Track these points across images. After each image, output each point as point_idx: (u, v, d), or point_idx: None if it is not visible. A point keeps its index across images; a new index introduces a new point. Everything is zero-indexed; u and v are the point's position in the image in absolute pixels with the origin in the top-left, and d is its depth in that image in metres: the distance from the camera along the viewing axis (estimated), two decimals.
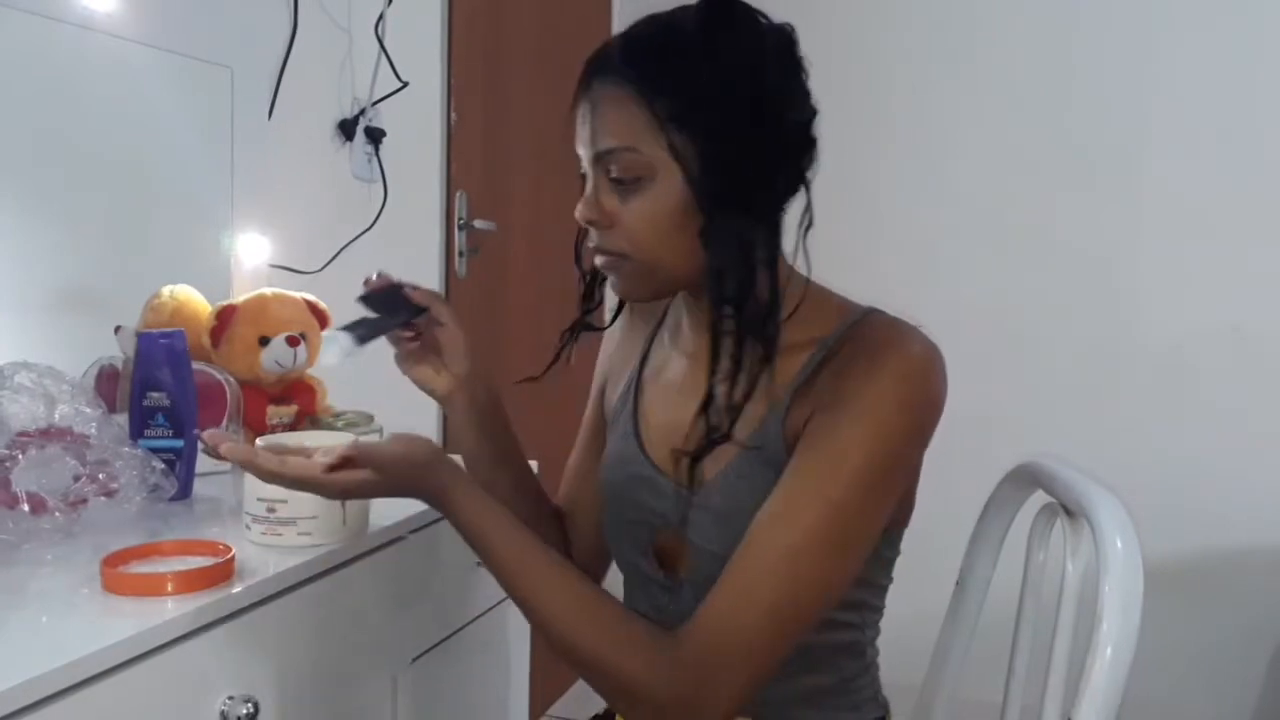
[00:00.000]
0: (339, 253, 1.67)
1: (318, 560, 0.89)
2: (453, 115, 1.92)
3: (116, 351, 1.19)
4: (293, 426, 1.28)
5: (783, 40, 0.81)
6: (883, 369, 0.77)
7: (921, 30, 2.31)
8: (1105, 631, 0.77)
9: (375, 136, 1.75)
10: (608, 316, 1.05)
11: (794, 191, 0.83)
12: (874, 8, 2.39)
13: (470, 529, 0.80)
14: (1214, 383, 2.23)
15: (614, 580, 1.00)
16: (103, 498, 0.92)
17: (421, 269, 1.92)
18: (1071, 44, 2.29)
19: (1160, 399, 2.26)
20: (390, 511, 1.02)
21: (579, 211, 0.83)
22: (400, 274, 1.59)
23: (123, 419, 1.06)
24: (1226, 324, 2.22)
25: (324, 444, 0.92)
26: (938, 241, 2.31)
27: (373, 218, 1.74)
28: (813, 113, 0.83)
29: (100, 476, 0.92)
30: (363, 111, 1.73)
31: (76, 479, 0.92)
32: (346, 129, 1.71)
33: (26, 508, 0.87)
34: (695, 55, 0.78)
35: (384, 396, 1.45)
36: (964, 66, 2.30)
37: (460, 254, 1.97)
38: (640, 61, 0.79)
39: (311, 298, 1.31)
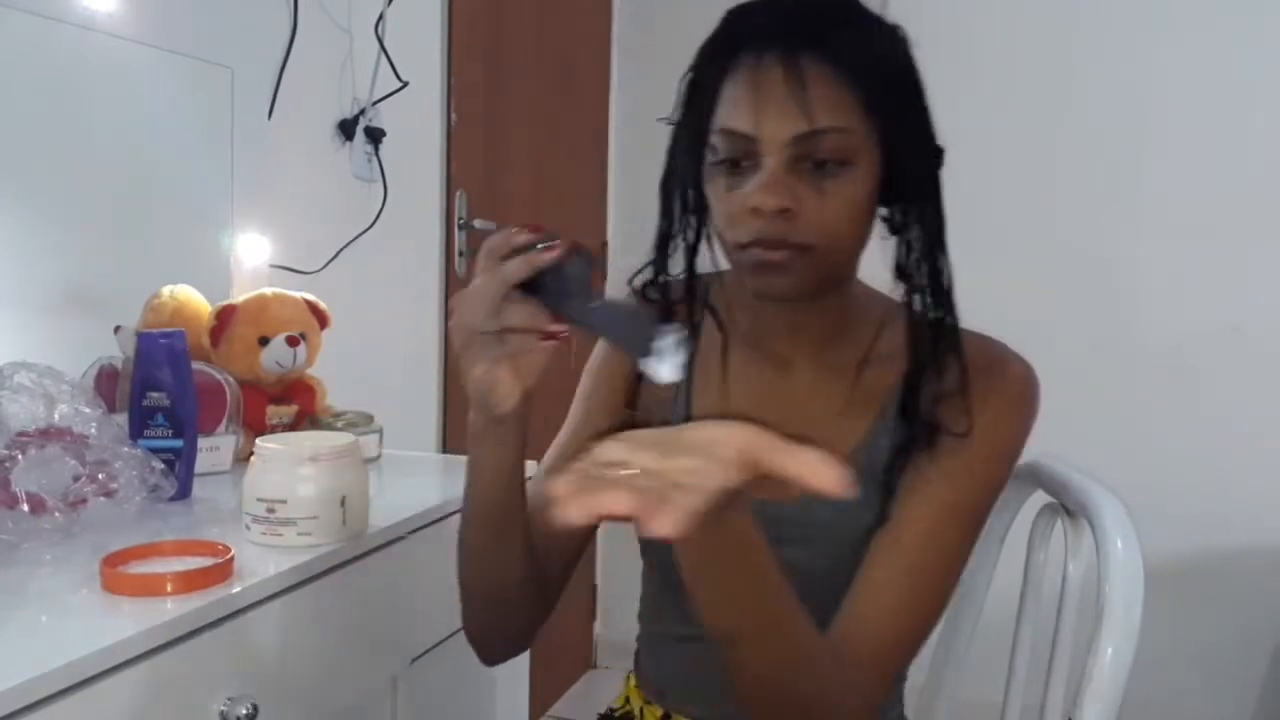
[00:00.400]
0: (339, 253, 1.67)
1: (317, 560, 0.89)
2: (452, 115, 1.92)
3: (116, 351, 1.19)
4: (292, 427, 1.28)
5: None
6: (1004, 386, 0.79)
7: (921, 30, 2.30)
8: (1106, 631, 0.77)
9: (375, 136, 1.75)
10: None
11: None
12: (876, 6, 2.39)
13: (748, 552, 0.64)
14: (1214, 383, 2.23)
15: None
16: (102, 498, 0.92)
17: (421, 269, 1.92)
18: (1071, 43, 2.29)
19: (1160, 399, 2.26)
20: (390, 512, 1.02)
21: (762, 199, 0.72)
22: (400, 274, 1.57)
23: (122, 419, 1.06)
24: (1226, 324, 2.21)
25: (326, 444, 0.92)
26: None
27: (373, 218, 1.74)
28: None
29: (100, 476, 0.92)
30: (363, 111, 1.73)
31: (76, 479, 0.92)
32: (346, 129, 1.71)
33: (26, 508, 0.87)
34: (883, 35, 0.76)
35: (384, 396, 1.46)
36: (963, 66, 2.30)
37: (460, 254, 1.97)
38: (849, 39, 0.74)
39: (311, 298, 1.31)
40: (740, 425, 0.54)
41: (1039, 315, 2.26)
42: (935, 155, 0.79)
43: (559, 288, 0.65)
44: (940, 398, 0.79)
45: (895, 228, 0.79)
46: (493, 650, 0.87)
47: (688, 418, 0.87)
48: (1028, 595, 0.99)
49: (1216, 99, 2.19)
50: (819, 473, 0.51)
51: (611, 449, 0.53)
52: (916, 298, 0.79)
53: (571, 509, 0.49)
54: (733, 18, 0.77)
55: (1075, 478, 0.91)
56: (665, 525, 0.48)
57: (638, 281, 0.88)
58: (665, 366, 0.62)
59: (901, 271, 0.80)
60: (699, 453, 0.52)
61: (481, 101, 2.03)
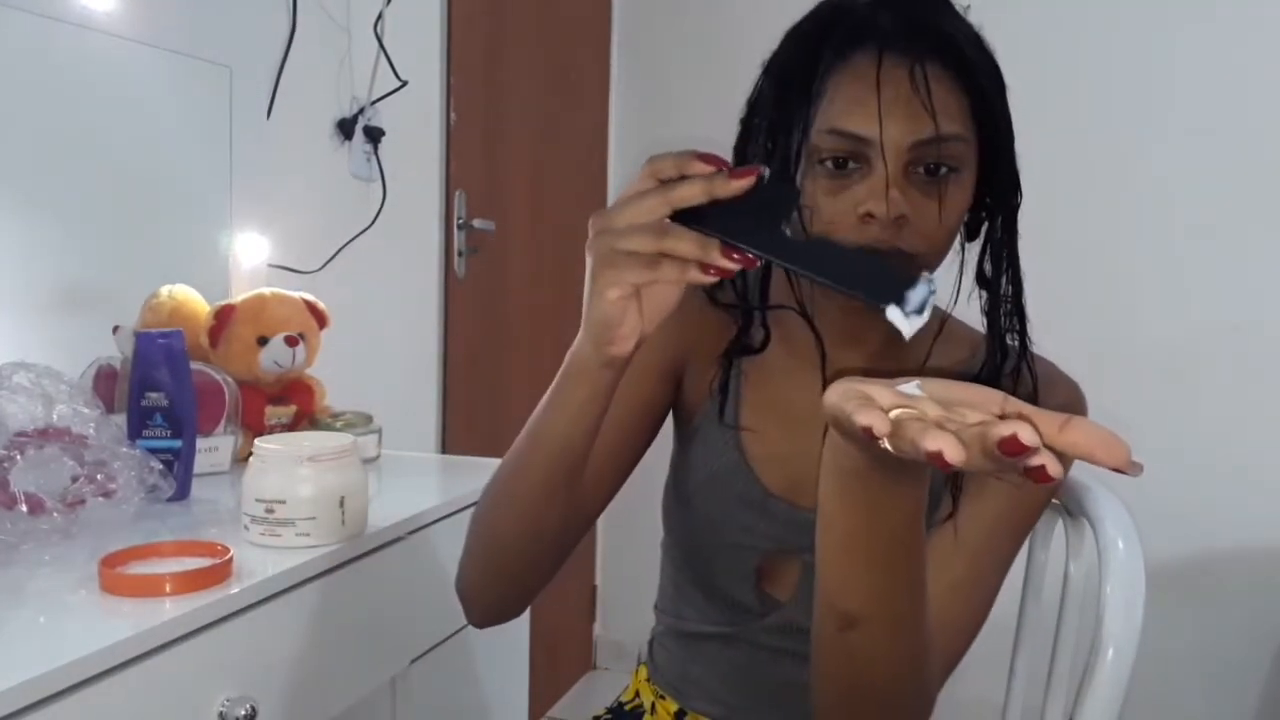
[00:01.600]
0: (338, 252, 1.67)
1: (316, 561, 0.89)
2: (452, 115, 1.92)
3: (115, 351, 1.18)
4: (291, 427, 1.27)
5: None
6: (1061, 399, 0.80)
7: None
8: (1107, 632, 0.77)
9: (374, 136, 1.75)
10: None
11: None
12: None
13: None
14: (1214, 383, 2.23)
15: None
16: (101, 498, 0.92)
17: (420, 269, 1.92)
18: (1071, 43, 2.29)
19: (1160, 399, 2.26)
20: (389, 512, 1.02)
21: (880, 206, 0.69)
22: (399, 274, 1.57)
23: (121, 419, 1.05)
24: (1226, 324, 2.21)
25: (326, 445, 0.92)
26: None
27: (372, 217, 1.74)
28: None
29: (98, 477, 0.92)
30: (362, 110, 1.73)
31: (74, 479, 0.91)
32: (345, 128, 1.71)
33: (24, 508, 0.87)
34: (980, 40, 0.75)
35: (383, 397, 1.46)
36: None
37: (459, 254, 1.97)
38: (963, 43, 0.73)
39: (310, 297, 1.31)
40: (995, 393, 0.48)
41: (1039, 315, 2.25)
42: (1014, 160, 0.78)
43: (743, 220, 0.57)
44: None
45: (973, 234, 0.79)
46: (494, 610, 0.82)
47: (736, 419, 0.84)
48: (1028, 595, 0.99)
49: (1217, 98, 2.19)
50: (1111, 447, 0.43)
51: (890, 395, 0.48)
52: (995, 306, 0.79)
53: (905, 445, 0.44)
54: (830, 13, 0.74)
55: (1076, 478, 0.91)
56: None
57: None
58: (913, 319, 0.55)
59: (983, 279, 0.79)
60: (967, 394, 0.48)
61: (481, 101, 2.03)
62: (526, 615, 1.16)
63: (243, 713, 0.76)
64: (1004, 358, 0.79)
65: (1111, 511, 0.83)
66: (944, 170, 0.71)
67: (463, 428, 1.98)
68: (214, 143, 1.46)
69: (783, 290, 0.81)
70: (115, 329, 1.20)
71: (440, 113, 1.90)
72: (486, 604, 0.82)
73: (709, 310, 0.85)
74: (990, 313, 0.79)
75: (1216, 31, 2.18)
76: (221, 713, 0.76)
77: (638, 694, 0.98)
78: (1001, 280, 0.78)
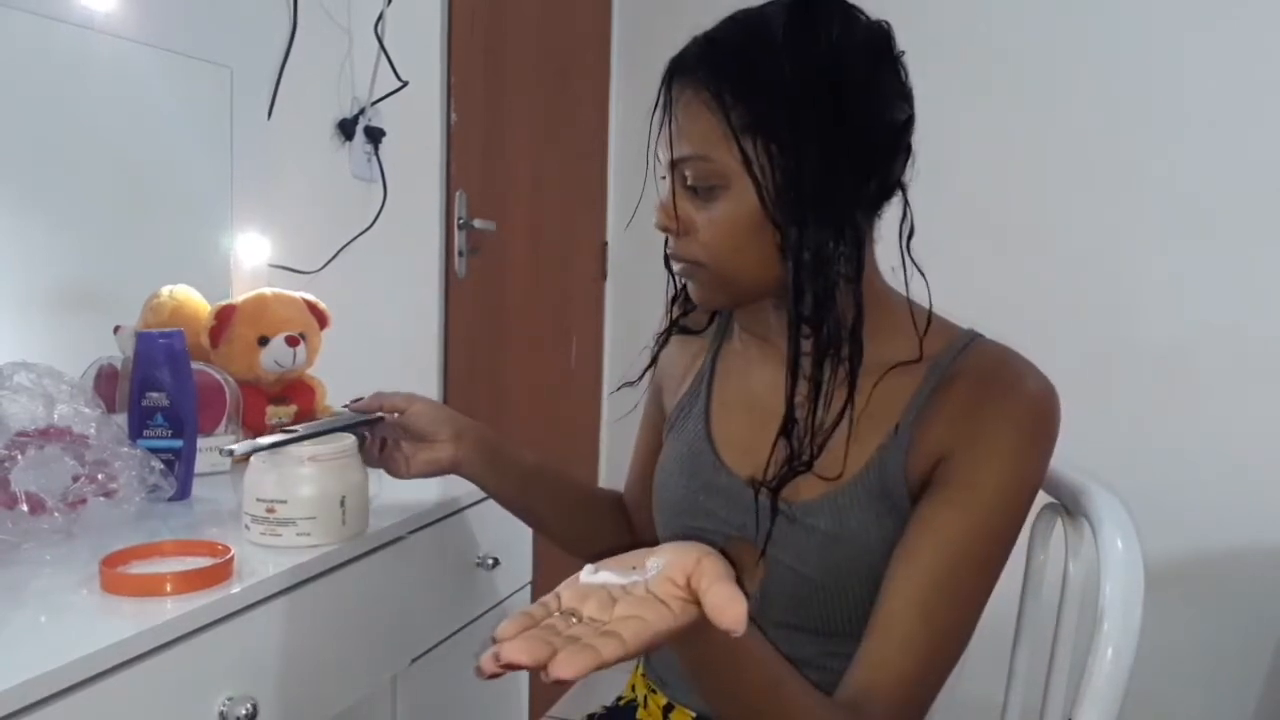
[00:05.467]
0: (338, 252, 1.67)
1: (317, 560, 0.89)
2: (452, 115, 1.92)
3: (116, 351, 1.18)
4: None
5: (876, 36, 0.78)
6: (1017, 410, 0.77)
7: (921, 29, 2.30)
8: (1106, 632, 0.77)
9: (375, 136, 1.75)
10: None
11: (885, 198, 0.81)
12: (874, 7, 2.39)
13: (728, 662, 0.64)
14: (1214, 383, 2.23)
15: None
16: (102, 498, 0.92)
17: (421, 269, 1.92)
18: (1072, 42, 2.28)
19: (1160, 399, 2.26)
20: (390, 512, 1.02)
21: (656, 217, 0.82)
22: (400, 274, 1.59)
23: (122, 419, 1.05)
24: (1227, 324, 2.21)
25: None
26: (937, 241, 2.30)
27: (372, 217, 1.74)
28: (907, 114, 0.79)
29: (99, 477, 0.92)
30: (362, 111, 1.73)
31: (76, 479, 0.91)
32: (346, 129, 1.71)
33: (25, 508, 0.87)
34: (775, 56, 0.75)
35: None
36: (964, 65, 2.30)
37: (460, 254, 1.97)
38: (717, 66, 0.76)
39: (311, 297, 1.31)
40: (695, 551, 0.54)
41: (1039, 315, 2.26)
42: (854, 173, 0.76)
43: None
44: (943, 413, 0.78)
45: (781, 252, 0.77)
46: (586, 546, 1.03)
47: (706, 412, 0.92)
48: (1028, 595, 0.99)
49: (1218, 98, 2.19)
50: (722, 611, 0.51)
51: (568, 596, 0.53)
52: (796, 325, 0.78)
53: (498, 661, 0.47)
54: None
55: (1075, 477, 0.91)
56: (566, 669, 0.46)
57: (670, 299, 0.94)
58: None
59: (792, 293, 0.77)
60: (645, 600, 0.52)
61: (481, 101, 2.03)
62: None
63: (243, 712, 0.76)
64: (853, 372, 0.78)
65: (1111, 511, 0.83)
66: (702, 187, 0.78)
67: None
68: (215, 143, 1.46)
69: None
70: (116, 329, 1.20)
71: (441, 113, 1.90)
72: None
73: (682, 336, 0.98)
74: (790, 328, 0.78)
75: (1219, 32, 2.18)
76: (222, 712, 0.76)
77: (634, 689, 0.99)
78: (803, 298, 0.76)
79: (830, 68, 0.75)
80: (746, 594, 0.85)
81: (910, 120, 0.80)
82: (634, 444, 1.08)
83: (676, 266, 0.84)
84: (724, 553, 0.84)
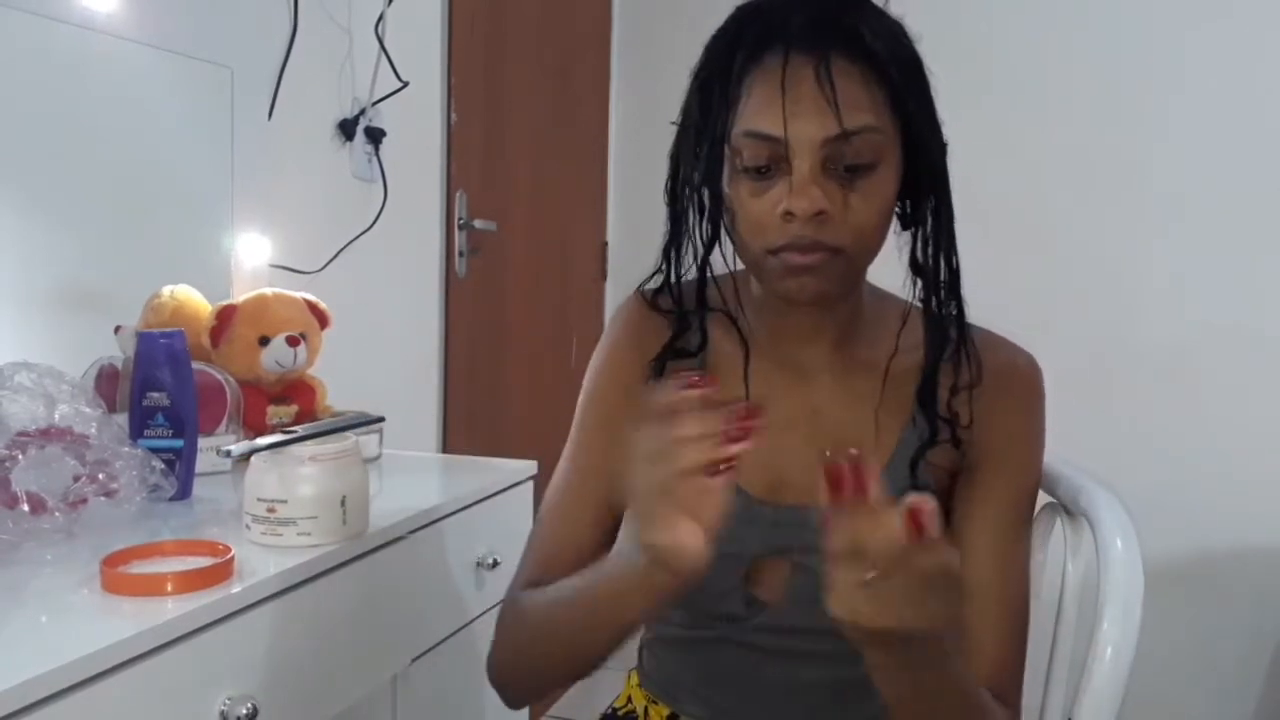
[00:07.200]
0: (339, 253, 1.67)
1: (317, 560, 0.89)
2: (453, 115, 1.92)
3: (116, 351, 1.19)
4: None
5: None
6: (1033, 404, 0.84)
7: (923, 29, 2.30)
8: (1106, 632, 0.77)
9: (375, 136, 1.75)
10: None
11: None
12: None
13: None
14: (1214, 383, 2.23)
15: None
16: (102, 498, 0.92)
17: (421, 269, 1.92)
18: (1073, 43, 2.29)
19: (1160, 399, 2.26)
20: (390, 512, 1.02)
21: (797, 204, 0.71)
22: (400, 274, 1.58)
23: (122, 419, 1.06)
24: (1227, 324, 2.21)
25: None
26: None
27: (373, 218, 1.74)
28: None
29: (100, 476, 0.92)
30: (363, 111, 1.73)
31: (76, 479, 0.92)
32: (346, 129, 1.71)
33: (26, 508, 0.87)
34: (898, 31, 0.75)
35: (384, 396, 1.46)
36: (965, 65, 2.30)
37: (460, 254, 1.97)
38: (877, 34, 0.73)
39: (311, 297, 1.31)
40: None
41: (1039, 315, 2.26)
42: (943, 149, 0.78)
43: None
44: (956, 392, 0.80)
45: (907, 223, 0.79)
46: (535, 695, 0.94)
47: None
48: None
49: (1218, 98, 2.19)
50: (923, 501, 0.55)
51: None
52: (931, 293, 0.79)
53: None
54: (746, 16, 0.75)
55: (1075, 477, 0.91)
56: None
57: (648, 288, 0.86)
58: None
59: (916, 266, 0.80)
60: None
61: (481, 101, 2.03)
62: None
63: (244, 712, 0.76)
64: (959, 338, 0.80)
65: (1110, 510, 0.83)
66: (861, 164, 0.72)
67: (463, 427, 1.98)
68: (215, 143, 1.46)
69: (716, 296, 0.84)
70: (117, 329, 1.20)
71: (441, 113, 1.90)
72: (526, 691, 0.90)
73: (652, 319, 0.86)
74: (925, 300, 0.80)
75: (1221, 32, 2.18)
76: (223, 712, 0.77)
77: (630, 699, 0.98)
78: (939, 267, 0.79)
79: (916, 50, 0.77)
80: (767, 603, 0.83)
81: None
82: (575, 462, 0.88)
83: (808, 259, 0.72)
84: (747, 571, 0.83)
